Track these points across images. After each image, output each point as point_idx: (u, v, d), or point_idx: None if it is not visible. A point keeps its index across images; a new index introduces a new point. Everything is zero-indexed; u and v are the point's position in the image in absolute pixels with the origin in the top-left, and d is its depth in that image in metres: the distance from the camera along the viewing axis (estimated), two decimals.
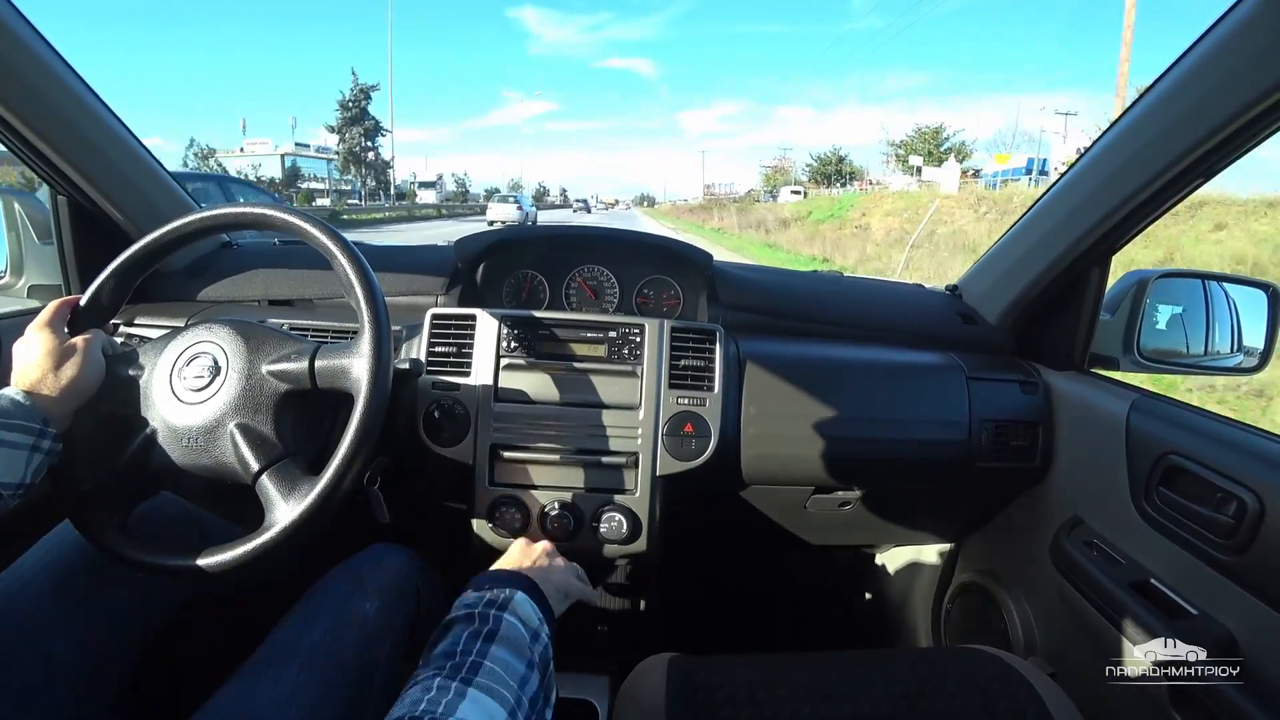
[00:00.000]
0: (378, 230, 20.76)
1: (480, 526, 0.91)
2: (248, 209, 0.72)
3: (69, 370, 0.65)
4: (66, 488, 0.66)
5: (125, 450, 0.68)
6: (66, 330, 0.68)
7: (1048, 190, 0.98)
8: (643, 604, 1.02)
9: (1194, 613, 0.72)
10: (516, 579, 0.62)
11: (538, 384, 0.92)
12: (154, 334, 0.99)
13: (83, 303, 0.71)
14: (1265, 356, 0.96)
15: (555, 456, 0.90)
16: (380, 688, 0.73)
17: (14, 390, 0.62)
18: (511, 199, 27.63)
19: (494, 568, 0.69)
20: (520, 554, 0.74)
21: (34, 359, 0.64)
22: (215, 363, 0.69)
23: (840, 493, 1.04)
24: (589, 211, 55.49)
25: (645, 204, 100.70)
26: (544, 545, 0.76)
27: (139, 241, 0.72)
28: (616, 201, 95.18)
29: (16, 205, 1.13)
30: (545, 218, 31.63)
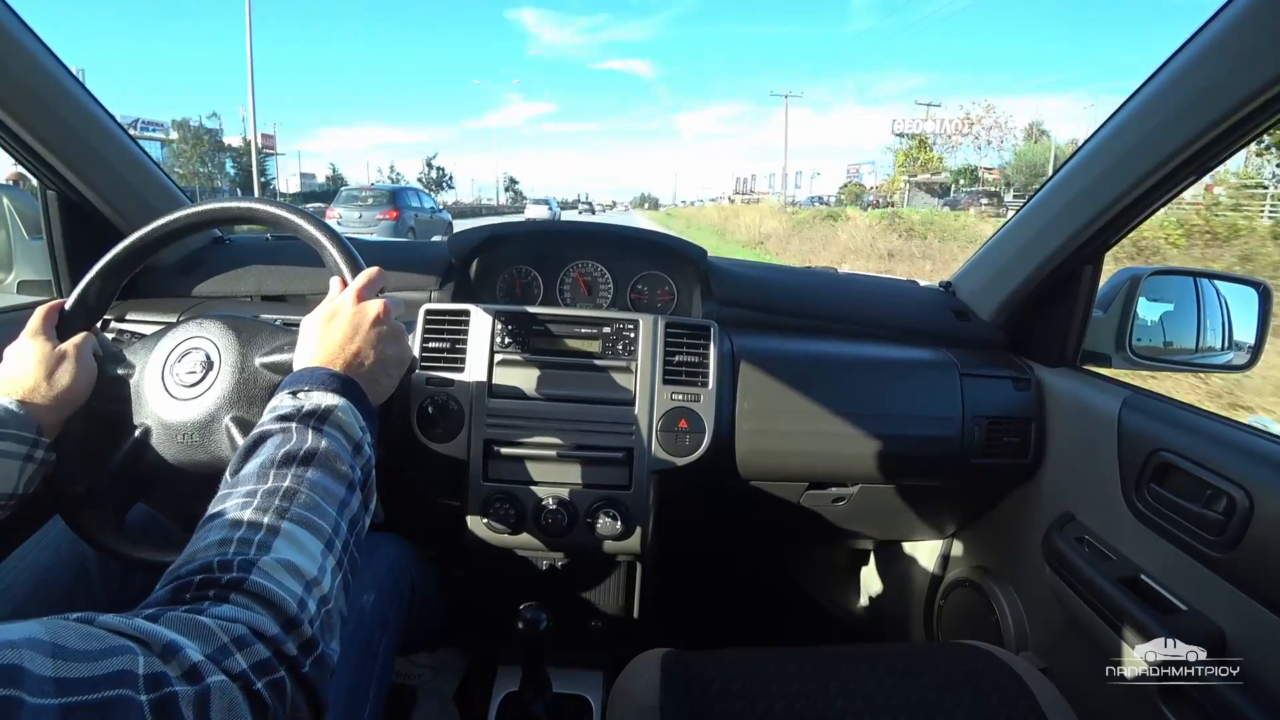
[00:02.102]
0: None
1: (474, 523, 0.91)
2: (231, 204, 0.72)
3: (62, 378, 0.64)
4: (60, 491, 0.65)
5: (118, 450, 0.67)
6: (56, 336, 0.67)
7: (1041, 188, 0.98)
8: (637, 599, 1.02)
9: (1184, 609, 0.73)
10: (339, 383, 0.55)
11: (532, 380, 0.92)
12: (146, 329, 0.98)
13: (68, 307, 0.69)
14: (1255, 353, 0.97)
15: (550, 453, 0.90)
16: (378, 678, 0.72)
17: (7, 399, 0.61)
18: (543, 201, 35.70)
19: (315, 350, 0.59)
20: (345, 332, 0.59)
21: (26, 368, 0.63)
22: (207, 358, 0.69)
23: (834, 488, 1.04)
24: (592, 212, 56.09)
25: (647, 205, 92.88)
26: (376, 311, 0.60)
27: (123, 242, 0.71)
28: (614, 203, 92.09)
29: (5, 201, 1.13)
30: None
